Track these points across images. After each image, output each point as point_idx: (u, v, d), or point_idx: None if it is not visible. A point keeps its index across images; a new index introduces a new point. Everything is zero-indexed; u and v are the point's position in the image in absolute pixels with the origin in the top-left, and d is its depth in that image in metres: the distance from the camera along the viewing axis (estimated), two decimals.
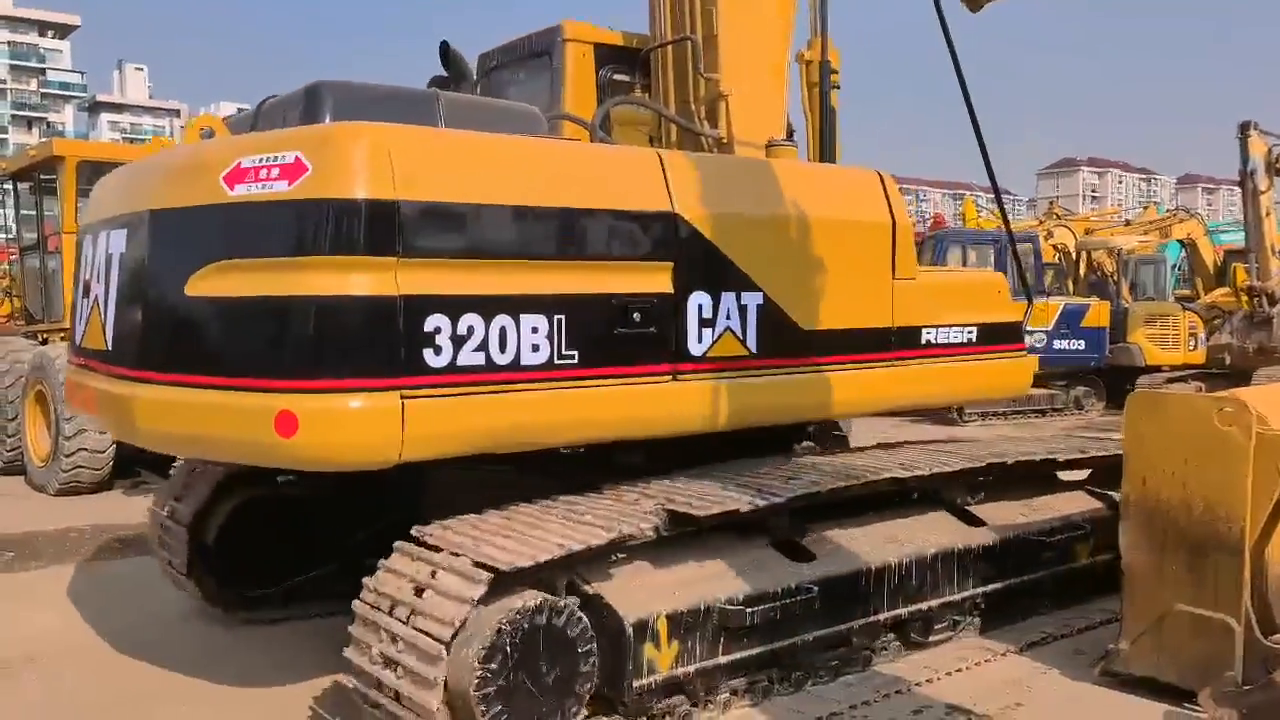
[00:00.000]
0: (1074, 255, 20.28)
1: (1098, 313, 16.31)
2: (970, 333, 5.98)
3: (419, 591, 3.78)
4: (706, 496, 4.39)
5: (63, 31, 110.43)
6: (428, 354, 3.91)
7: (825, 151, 6.41)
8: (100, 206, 4.94)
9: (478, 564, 3.71)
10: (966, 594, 5.23)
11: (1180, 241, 21.71)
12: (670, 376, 4.61)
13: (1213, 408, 4.37)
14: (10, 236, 12.77)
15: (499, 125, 4.68)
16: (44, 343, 10.53)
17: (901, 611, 4.93)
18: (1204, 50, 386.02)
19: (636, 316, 4.48)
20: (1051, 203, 33.88)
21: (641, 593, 4.09)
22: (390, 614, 3.82)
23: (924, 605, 5.03)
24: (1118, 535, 4.74)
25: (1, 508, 9.15)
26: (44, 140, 12.34)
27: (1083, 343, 16.17)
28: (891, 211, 5.53)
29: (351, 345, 3.83)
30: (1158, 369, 16.04)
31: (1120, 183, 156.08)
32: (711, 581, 4.30)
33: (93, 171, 9.13)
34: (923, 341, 5.70)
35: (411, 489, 4.98)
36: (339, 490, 5.35)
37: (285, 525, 5.73)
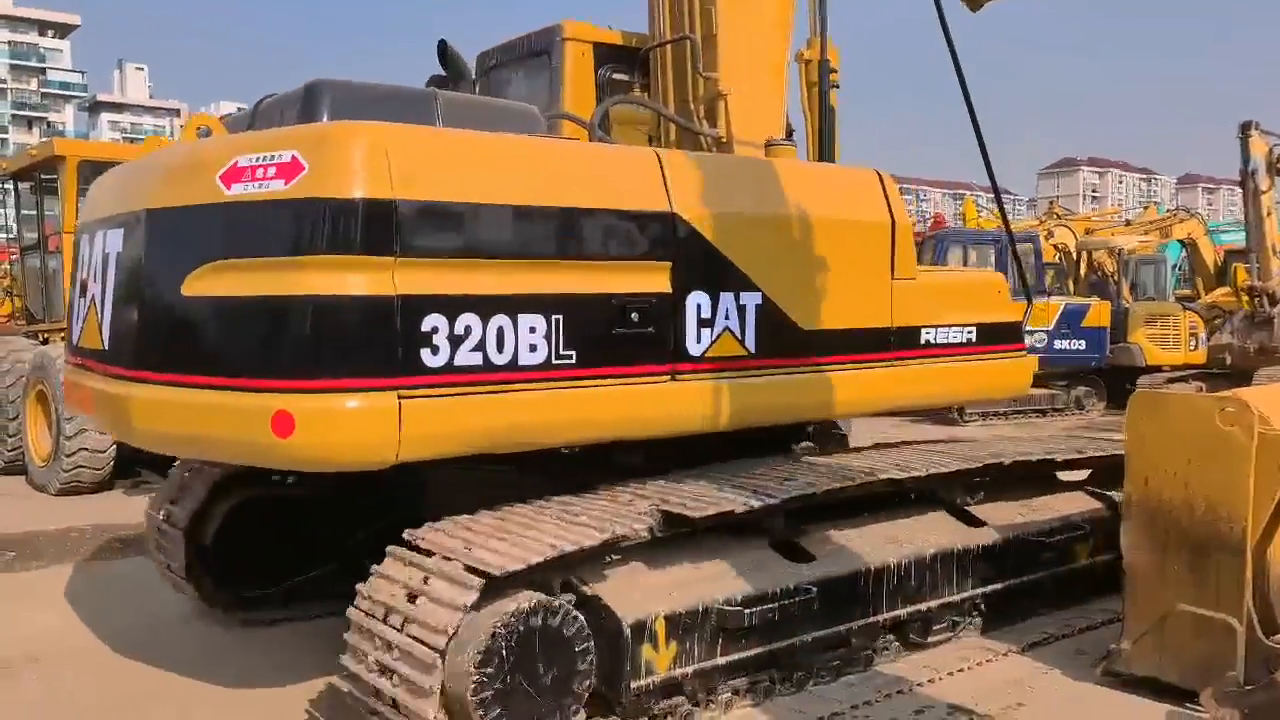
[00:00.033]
0: (1074, 255, 20.29)
1: (1098, 313, 16.30)
2: (970, 333, 5.96)
3: (412, 598, 3.76)
4: (702, 497, 4.37)
5: (63, 31, 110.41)
6: (425, 354, 3.89)
7: (824, 151, 6.40)
8: (97, 206, 4.93)
9: (469, 569, 3.68)
10: (966, 595, 5.22)
11: (1181, 241, 21.70)
12: (669, 376, 4.59)
13: (1215, 408, 4.36)
14: (11, 236, 12.77)
15: (497, 124, 4.67)
16: (45, 342, 10.54)
17: (900, 612, 4.92)
18: (1204, 50, 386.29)
19: (635, 316, 4.47)
20: (1052, 202, 33.91)
21: (640, 593, 4.07)
22: (384, 621, 3.80)
23: (923, 606, 5.02)
24: (1117, 535, 4.74)
25: (2, 507, 9.15)
26: (45, 140, 12.32)
27: (1083, 343, 16.15)
28: (891, 211, 5.52)
29: (348, 345, 3.81)
30: (1158, 369, 16.02)
31: (1120, 182, 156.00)
32: (710, 582, 4.29)
33: (93, 171, 9.10)
34: (922, 341, 5.69)
35: (411, 489, 4.97)
36: (339, 490, 5.34)
37: (284, 525, 5.72)
